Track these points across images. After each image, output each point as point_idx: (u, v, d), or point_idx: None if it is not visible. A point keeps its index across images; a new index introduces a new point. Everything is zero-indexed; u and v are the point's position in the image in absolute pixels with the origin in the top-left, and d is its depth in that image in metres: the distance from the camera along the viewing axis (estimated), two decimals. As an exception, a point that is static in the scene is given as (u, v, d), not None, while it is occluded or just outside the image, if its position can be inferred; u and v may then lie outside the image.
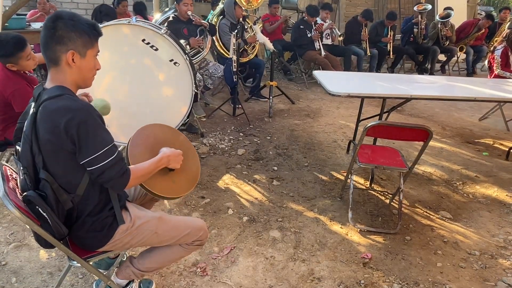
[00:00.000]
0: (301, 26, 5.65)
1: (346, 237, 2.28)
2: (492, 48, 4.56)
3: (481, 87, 3.27)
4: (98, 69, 1.35)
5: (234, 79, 4.04)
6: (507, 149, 3.56)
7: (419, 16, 6.39)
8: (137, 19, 2.66)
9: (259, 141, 3.62)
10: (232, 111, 4.22)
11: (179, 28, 3.86)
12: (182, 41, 3.55)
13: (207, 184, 2.79)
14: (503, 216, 2.58)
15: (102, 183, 1.26)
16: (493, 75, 4.40)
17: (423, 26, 6.47)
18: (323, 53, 5.56)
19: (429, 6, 6.48)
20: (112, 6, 4.72)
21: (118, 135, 2.51)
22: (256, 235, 2.26)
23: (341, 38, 6.21)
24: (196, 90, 2.78)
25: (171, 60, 2.64)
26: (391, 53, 6.29)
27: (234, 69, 4.01)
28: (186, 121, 3.38)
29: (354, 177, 2.91)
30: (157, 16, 4.29)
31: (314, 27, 5.62)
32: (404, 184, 2.58)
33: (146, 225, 1.43)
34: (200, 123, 3.84)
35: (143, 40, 2.57)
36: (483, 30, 6.77)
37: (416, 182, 2.99)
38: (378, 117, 3.03)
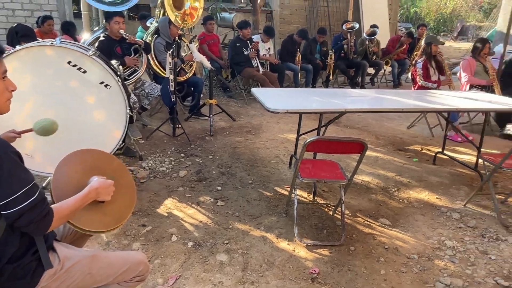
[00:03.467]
0: (237, 44, 5.72)
1: (294, 253, 2.27)
2: (414, 62, 4.95)
3: (406, 98, 3.51)
4: (13, 90, 1.22)
5: (172, 99, 3.94)
6: (433, 154, 3.83)
7: (348, 34, 6.80)
8: (62, 40, 2.50)
9: (201, 161, 3.54)
10: (172, 131, 4.10)
11: (111, 48, 3.70)
12: (114, 61, 3.40)
13: (147, 211, 2.65)
14: (435, 218, 2.75)
15: (20, 228, 1.12)
16: (416, 86, 4.77)
17: (352, 43, 6.88)
18: (260, 70, 5.66)
19: (357, 25, 6.93)
20: (33, 25, 4.41)
21: (44, 165, 2.31)
22: (202, 260, 2.17)
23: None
24: (130, 113, 2.65)
25: (101, 83, 2.50)
26: (331, 69, 6.62)
27: (172, 89, 3.92)
28: (122, 145, 3.21)
29: (298, 192, 2.93)
30: (85, 36, 4.08)
31: (250, 45, 5.72)
32: (345, 195, 2.66)
33: (78, 266, 1.30)
34: (139, 145, 3.67)
35: (69, 62, 2.41)
36: (404, 46, 7.37)
37: (356, 191, 3.10)
38: (316, 131, 3.12)
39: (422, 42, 4.84)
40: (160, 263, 2.12)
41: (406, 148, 4.18)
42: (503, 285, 2.07)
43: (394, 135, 4.59)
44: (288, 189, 2.99)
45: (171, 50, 3.90)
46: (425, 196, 3.08)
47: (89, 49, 2.54)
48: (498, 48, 7.08)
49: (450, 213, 2.81)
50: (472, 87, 4.73)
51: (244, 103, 5.70)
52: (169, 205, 2.75)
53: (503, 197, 3.04)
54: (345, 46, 6.95)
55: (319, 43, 6.79)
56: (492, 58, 5.99)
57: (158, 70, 4.44)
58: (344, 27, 7.04)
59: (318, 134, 3.04)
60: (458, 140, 4.36)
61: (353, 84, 6.92)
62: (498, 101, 3.50)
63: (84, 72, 2.45)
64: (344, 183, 2.39)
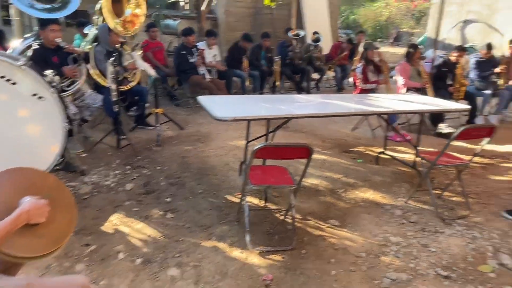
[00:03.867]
0: (182, 52, 5.64)
1: (247, 261, 2.26)
2: (354, 67, 5.19)
3: (349, 102, 3.66)
4: None
5: (116, 109, 3.78)
6: (376, 155, 4.02)
7: (294, 41, 7.01)
8: (-13, 50, 2.30)
9: (149, 173, 3.42)
10: (116, 143, 3.93)
11: (47, 57, 3.48)
12: (50, 72, 3.19)
13: (91, 229, 2.50)
14: (380, 216, 2.88)
15: None
16: (358, 90, 5.00)
17: (297, 50, 7.09)
18: (207, 77, 5.62)
19: (302, 33, 7.16)
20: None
21: (-30, 187, 2.09)
22: (152, 277, 2.09)
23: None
24: (68, 125, 2.50)
25: (34, 95, 2.33)
26: (278, 75, 6.73)
27: (115, 98, 3.76)
28: (61, 160, 3.01)
29: (249, 198, 2.94)
30: (15, 44, 3.79)
31: (195, 53, 5.67)
32: (295, 199, 2.70)
33: (9, 297, 1.19)
34: (80, 159, 3.48)
35: (-4, 74, 2.22)
36: (346, 52, 7.72)
37: (305, 195, 3.16)
38: (265, 137, 3.15)
39: (361, 48, 5.09)
40: (106, 283, 2.01)
41: (351, 149, 4.35)
42: (442, 275, 2.21)
43: (339, 138, 4.76)
44: (239, 196, 2.98)
45: (112, 58, 3.75)
46: (370, 195, 3.21)
47: (19, 59, 2.37)
48: (429, 53, 7.66)
49: (393, 210, 2.96)
50: (408, 89, 5.06)
51: (192, 111, 5.62)
52: (115, 221, 2.62)
53: (439, 192, 3.25)
54: (290, 52, 7.13)
55: (264, 49, 6.89)
56: (425, 62, 6.45)
57: (99, 79, 4.24)
58: (290, 34, 7.23)
59: (266, 140, 3.08)
60: (398, 140, 4.62)
61: (299, 89, 7.10)
62: (431, 103, 3.77)
63: (14, 84, 2.27)
64: (293, 187, 2.43)
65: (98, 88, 4.31)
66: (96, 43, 4.30)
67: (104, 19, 4.11)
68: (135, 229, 2.54)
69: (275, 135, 3.54)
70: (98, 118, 4.61)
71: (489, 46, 5.62)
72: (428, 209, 2.97)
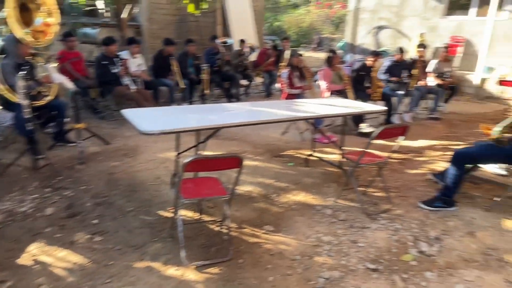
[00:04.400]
0: (104, 62, 5.36)
1: (183, 278, 2.20)
2: (280, 74, 5.35)
3: (278, 108, 3.76)
4: None
5: (29, 127, 3.46)
6: (305, 157, 4.18)
7: (223, 48, 7.05)
8: None
9: (72, 194, 3.18)
10: (33, 163, 3.60)
11: None
12: None
13: (6, 263, 2.25)
14: (312, 217, 2.99)
15: None
16: (285, 95, 5.17)
17: (225, 58, 7.15)
18: (133, 87, 5.40)
19: (231, 40, 7.22)
20: None
21: None
22: (80, 308, 1.94)
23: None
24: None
25: None
26: (207, 83, 6.66)
27: (28, 115, 3.44)
28: (-35, 188, 2.68)
29: (182, 212, 2.87)
30: None
31: (119, 63, 5.42)
32: (230, 208, 2.69)
33: None
34: (-11, 185, 3.12)
35: None
36: (272, 58, 7.94)
37: (240, 203, 3.17)
38: (196, 148, 3.10)
39: (287, 54, 5.27)
40: (26, 323, 1.82)
41: (282, 154, 4.47)
42: (371, 268, 2.35)
43: (270, 143, 4.87)
44: (173, 211, 2.89)
45: (23, 72, 3.43)
46: (301, 197, 3.32)
47: None
48: (348, 57, 8.17)
49: (324, 210, 3.09)
50: (331, 93, 5.34)
51: (118, 124, 5.35)
52: (34, 251, 2.39)
53: (364, 189, 3.47)
54: (218, 60, 7.15)
55: (191, 56, 6.81)
56: (345, 66, 6.87)
57: (8, 95, 3.85)
58: (217, 41, 7.24)
59: (197, 151, 3.03)
60: (324, 141, 4.84)
61: (229, 97, 7.13)
62: (352, 105, 4.01)
63: None
64: (226, 197, 2.42)
65: (7, 105, 3.91)
66: (4, 56, 3.91)
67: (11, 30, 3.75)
68: (58, 258, 2.33)
69: (206, 144, 3.52)
70: (9, 138, 4.18)
71: (401, 50, 6.16)
72: (355, 206, 3.15)
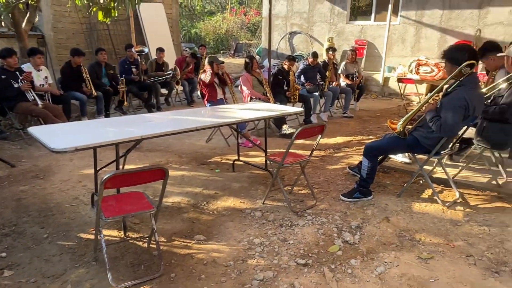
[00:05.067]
0: (2, 76, 4.83)
1: (111, 302, 2.06)
2: (199, 80, 5.31)
3: (201, 116, 3.74)
4: None
5: None
6: (231, 162, 4.21)
7: (139, 57, 6.80)
8: None
9: (-28, 227, 2.80)
10: None
11: None
12: None
13: None
14: (242, 221, 3.01)
15: None
16: (207, 101, 5.15)
17: (142, 67, 6.93)
18: (39, 103, 4.94)
19: (146, 49, 6.99)
20: None
21: None
22: None
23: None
24: None
25: None
26: (124, 94, 6.36)
27: None
28: None
29: (106, 232, 2.70)
30: None
31: (20, 76, 4.93)
32: (157, 222, 2.60)
33: None
34: None
35: None
36: (191, 66, 7.87)
37: (168, 215, 3.07)
38: (116, 162, 2.93)
39: (206, 61, 5.25)
40: None
41: (208, 161, 4.45)
42: (301, 264, 2.44)
43: (195, 151, 4.81)
44: (94, 232, 2.70)
45: None
46: (231, 203, 3.33)
47: None
48: (266, 62, 8.43)
49: (253, 213, 3.13)
50: (252, 98, 5.45)
51: (24, 144, 4.86)
52: None
53: (290, 188, 3.59)
54: (134, 69, 6.89)
55: (103, 65, 6.46)
56: (264, 71, 7.08)
57: None
58: (133, 50, 6.96)
59: (117, 166, 2.88)
60: (249, 145, 4.93)
61: (149, 107, 6.90)
62: (273, 109, 4.14)
63: None
64: (153, 212, 2.33)
65: None
66: None
67: None
68: (-41, 302, 2.04)
69: (127, 158, 3.36)
70: None
71: (315, 54, 6.52)
72: (282, 206, 3.25)
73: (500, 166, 3.50)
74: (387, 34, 8.52)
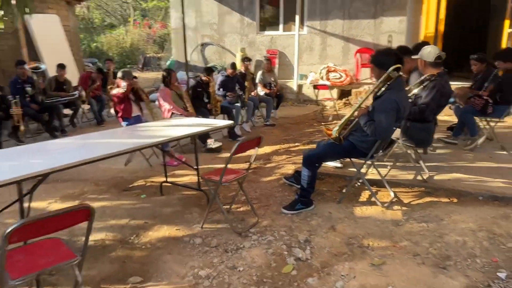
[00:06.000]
0: None
1: None
2: (112, 96, 4.80)
3: (118, 138, 3.31)
4: None
5: None
6: (159, 185, 3.81)
7: (33, 75, 5.95)
8: None
9: None
10: None
11: None
12: None
13: None
14: (182, 251, 2.68)
15: None
16: (120, 119, 4.67)
17: (40, 86, 6.10)
18: None
19: (43, 66, 6.17)
20: None
21: None
22: None
23: None
24: None
25: None
26: (20, 118, 5.45)
27: None
28: None
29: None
30: None
31: None
32: (81, 272, 2.14)
33: None
34: None
35: None
36: (98, 82, 7.18)
37: (91, 257, 2.60)
38: (19, 204, 2.39)
39: (118, 75, 4.76)
40: None
41: (131, 186, 3.98)
42: (257, 292, 2.21)
43: (113, 176, 4.29)
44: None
45: None
46: (165, 232, 2.97)
47: None
48: (181, 75, 8.08)
49: (192, 240, 2.82)
50: (173, 113, 5.10)
51: None
52: None
53: (228, 207, 3.35)
54: (29, 88, 6.01)
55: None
56: (181, 84, 6.74)
57: None
58: (26, 67, 6.06)
59: (21, 207, 2.34)
60: (175, 164, 4.56)
61: (52, 131, 6.06)
62: (197, 123, 3.87)
63: None
64: (76, 261, 1.89)
65: None
66: None
67: None
68: None
69: (32, 197, 2.79)
70: None
71: (233, 66, 6.39)
72: (223, 227, 2.99)
73: (421, 162, 3.71)
74: (297, 43, 8.82)
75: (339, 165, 4.00)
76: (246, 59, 7.00)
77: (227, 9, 10.34)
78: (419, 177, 3.62)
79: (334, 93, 8.38)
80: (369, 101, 2.95)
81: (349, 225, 2.94)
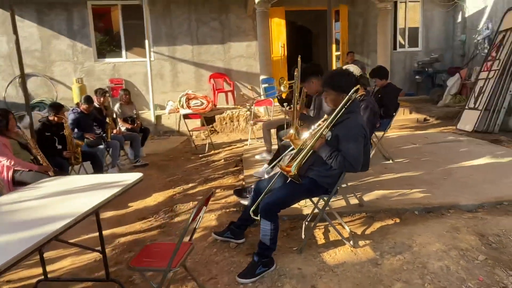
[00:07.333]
0: None
1: None
2: None
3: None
4: None
5: None
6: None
7: None
8: None
9: None
10: None
11: None
12: None
13: None
14: None
15: None
16: None
17: None
18: None
19: None
20: None
21: None
22: None
23: None
24: None
25: None
26: None
27: None
28: None
29: None
30: None
31: None
32: None
33: None
34: None
35: None
36: None
37: None
38: None
39: None
40: None
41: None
42: None
43: None
44: None
45: None
46: None
47: None
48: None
49: None
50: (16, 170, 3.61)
51: None
52: None
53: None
54: None
55: None
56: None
57: None
58: None
59: None
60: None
61: None
62: (85, 185, 2.71)
63: None
64: None
65: None
66: None
67: None
68: None
69: None
70: None
71: (89, 100, 5.10)
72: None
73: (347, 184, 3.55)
74: (149, 70, 7.94)
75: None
76: (99, 91, 5.76)
77: (52, 33, 8.58)
78: (351, 202, 3.43)
79: (198, 121, 7.85)
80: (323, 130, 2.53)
81: (331, 279, 2.42)
